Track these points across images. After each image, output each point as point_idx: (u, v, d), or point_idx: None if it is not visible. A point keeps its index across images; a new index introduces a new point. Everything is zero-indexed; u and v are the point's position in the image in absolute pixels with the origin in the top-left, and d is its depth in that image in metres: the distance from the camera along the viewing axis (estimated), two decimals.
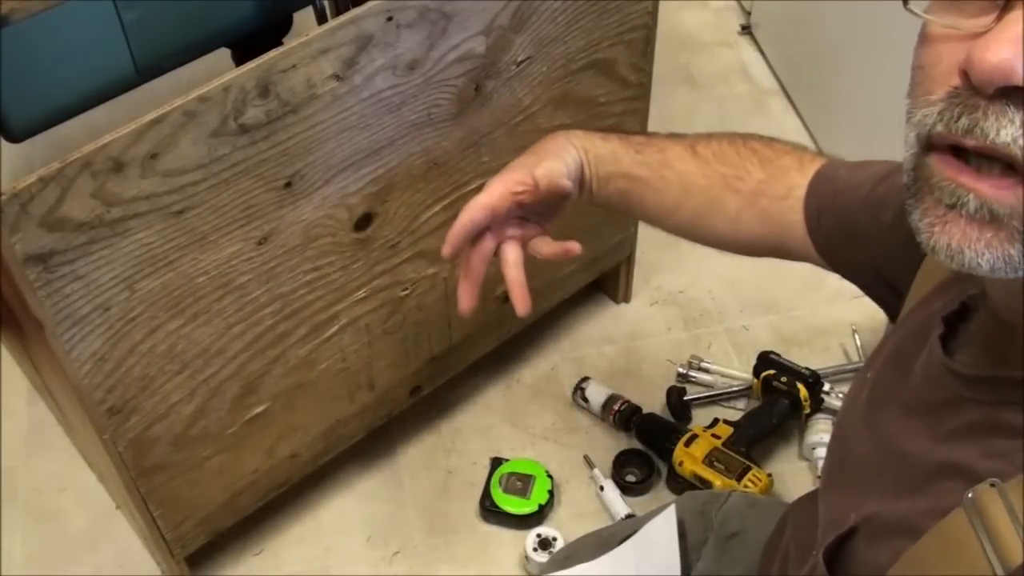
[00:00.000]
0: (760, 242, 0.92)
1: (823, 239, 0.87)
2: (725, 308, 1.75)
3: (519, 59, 1.23)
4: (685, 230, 0.95)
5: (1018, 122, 0.49)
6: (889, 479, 0.65)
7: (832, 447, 0.78)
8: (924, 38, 0.54)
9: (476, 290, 0.94)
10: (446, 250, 0.89)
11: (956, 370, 0.61)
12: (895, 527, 0.61)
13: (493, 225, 0.90)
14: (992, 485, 0.53)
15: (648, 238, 1.73)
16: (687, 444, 1.49)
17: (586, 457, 1.55)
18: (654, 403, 1.60)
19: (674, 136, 0.96)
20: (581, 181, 0.93)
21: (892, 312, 0.84)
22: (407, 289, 1.33)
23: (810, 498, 0.84)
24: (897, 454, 0.64)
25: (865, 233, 0.83)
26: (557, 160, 0.91)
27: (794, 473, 1.52)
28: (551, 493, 1.49)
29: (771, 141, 0.93)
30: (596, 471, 1.53)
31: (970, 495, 0.54)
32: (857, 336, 1.67)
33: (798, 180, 0.89)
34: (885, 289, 0.84)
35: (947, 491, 0.56)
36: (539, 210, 0.92)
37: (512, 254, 0.92)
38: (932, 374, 0.63)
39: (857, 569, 0.65)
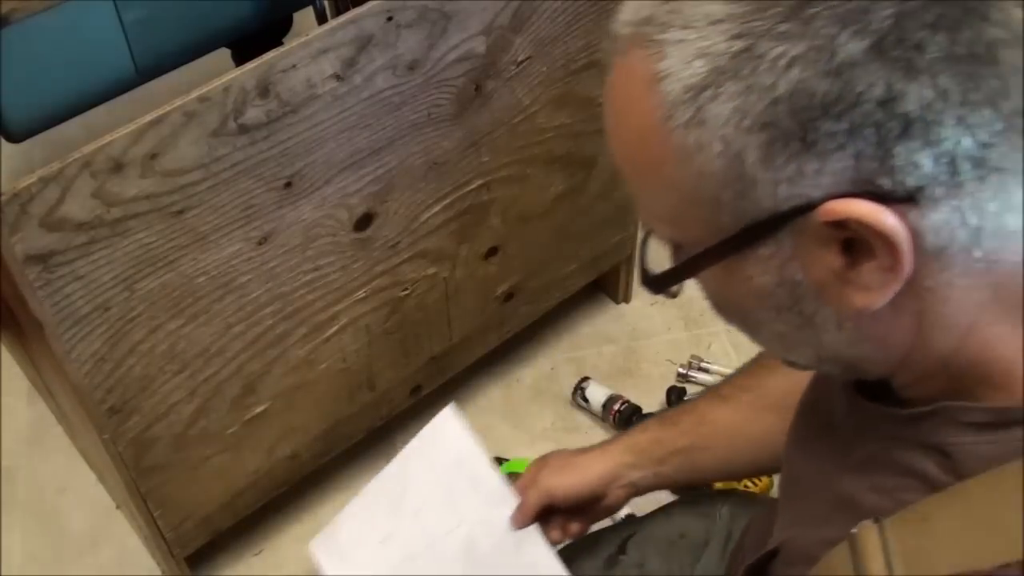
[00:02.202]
0: None
1: None
2: None
3: (519, 59, 1.23)
4: (760, 466, 0.97)
5: None
6: (807, 504, 0.65)
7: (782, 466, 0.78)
8: None
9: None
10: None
11: (857, 403, 0.60)
12: (801, 554, 0.61)
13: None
14: (876, 521, 0.53)
15: None
16: None
17: None
18: (654, 403, 1.60)
19: (703, 393, 0.98)
20: (623, 484, 0.97)
21: None
22: (407, 289, 1.33)
23: (766, 510, 0.84)
24: (815, 478, 0.64)
25: None
26: (572, 476, 0.96)
27: None
28: None
29: None
30: None
31: (854, 530, 0.53)
32: None
33: None
34: None
35: (840, 523, 0.55)
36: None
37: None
38: (843, 404, 0.63)
39: None
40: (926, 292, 0.49)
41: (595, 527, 1.15)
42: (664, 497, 1.49)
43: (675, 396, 1.58)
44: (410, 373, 1.44)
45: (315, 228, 1.16)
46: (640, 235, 0.55)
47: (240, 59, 1.14)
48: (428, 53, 1.12)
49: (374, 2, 1.05)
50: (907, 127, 0.44)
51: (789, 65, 0.44)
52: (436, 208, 1.27)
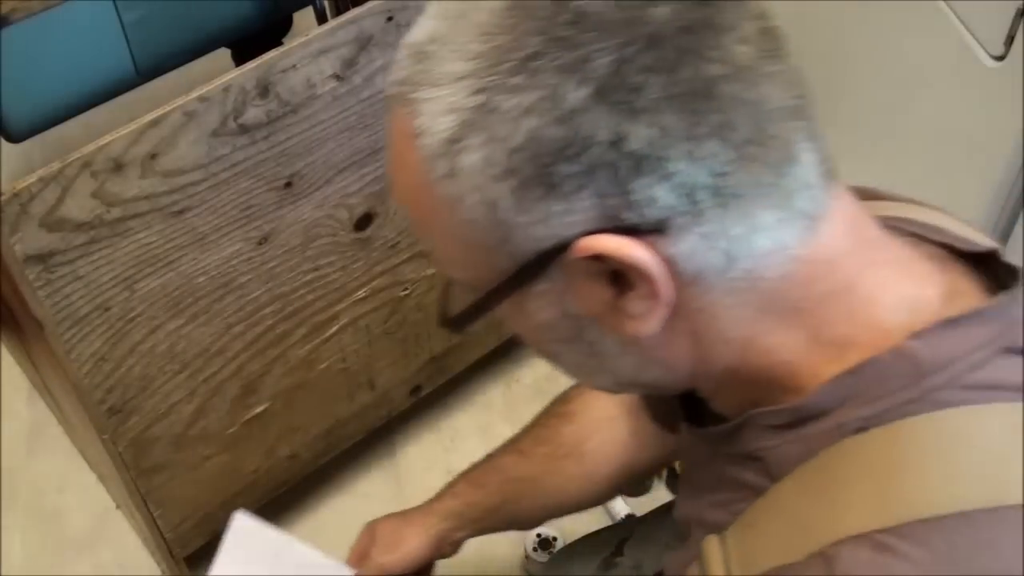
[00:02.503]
0: (624, 470, 0.97)
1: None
2: None
3: None
4: (571, 510, 1.04)
5: None
6: (679, 530, 0.68)
7: None
8: None
9: None
10: None
11: (689, 431, 0.63)
12: (671, 574, 0.64)
13: None
14: (718, 534, 0.56)
15: None
16: None
17: None
18: None
19: (506, 445, 1.04)
20: (442, 552, 1.05)
21: None
22: (407, 289, 1.33)
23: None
24: (682, 510, 0.68)
25: None
26: (400, 553, 1.02)
27: None
28: None
29: (566, 393, 1.00)
30: None
31: (702, 544, 0.57)
32: None
33: (605, 407, 0.96)
34: None
35: (695, 541, 0.59)
36: None
37: None
38: (686, 437, 0.66)
39: None
40: (696, 313, 0.52)
41: (595, 527, 1.15)
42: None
43: None
44: (410, 373, 1.44)
45: (315, 228, 1.16)
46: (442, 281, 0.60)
47: (240, 59, 1.14)
48: None
49: (374, 2, 1.05)
50: (639, 164, 0.47)
51: (522, 115, 0.47)
52: None
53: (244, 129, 1.02)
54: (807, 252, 0.51)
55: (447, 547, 1.04)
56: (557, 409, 1.00)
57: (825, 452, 0.52)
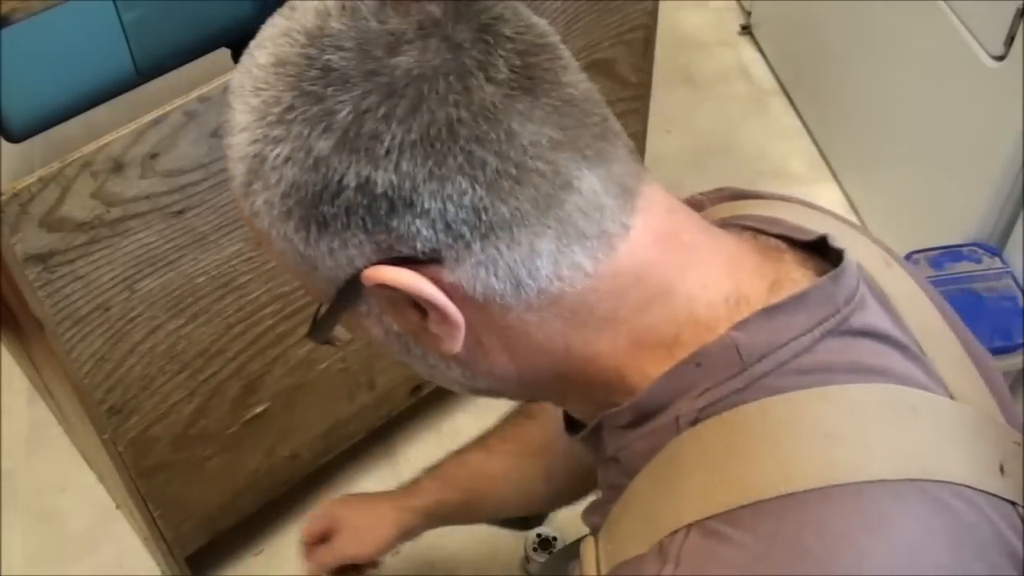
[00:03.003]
0: (590, 469, 0.99)
1: None
2: None
3: None
4: (535, 507, 1.08)
5: None
6: None
7: None
8: None
9: None
10: None
11: (569, 436, 0.65)
12: None
13: None
14: (594, 536, 0.59)
15: None
16: None
17: None
18: None
19: (475, 441, 1.06)
20: (412, 535, 1.07)
21: None
22: None
23: None
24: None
25: None
26: (356, 545, 1.04)
27: None
28: None
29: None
30: None
31: (581, 547, 0.59)
32: None
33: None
34: None
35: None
36: None
37: None
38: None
39: None
40: (503, 329, 0.54)
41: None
42: None
43: None
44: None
45: None
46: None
47: (240, 59, 1.13)
48: None
49: None
50: (391, 205, 0.50)
51: (283, 164, 0.51)
52: None
53: None
54: (607, 268, 0.53)
55: (408, 539, 1.07)
56: (524, 408, 1.02)
57: (668, 446, 0.54)
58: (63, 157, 0.92)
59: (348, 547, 1.03)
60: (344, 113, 0.49)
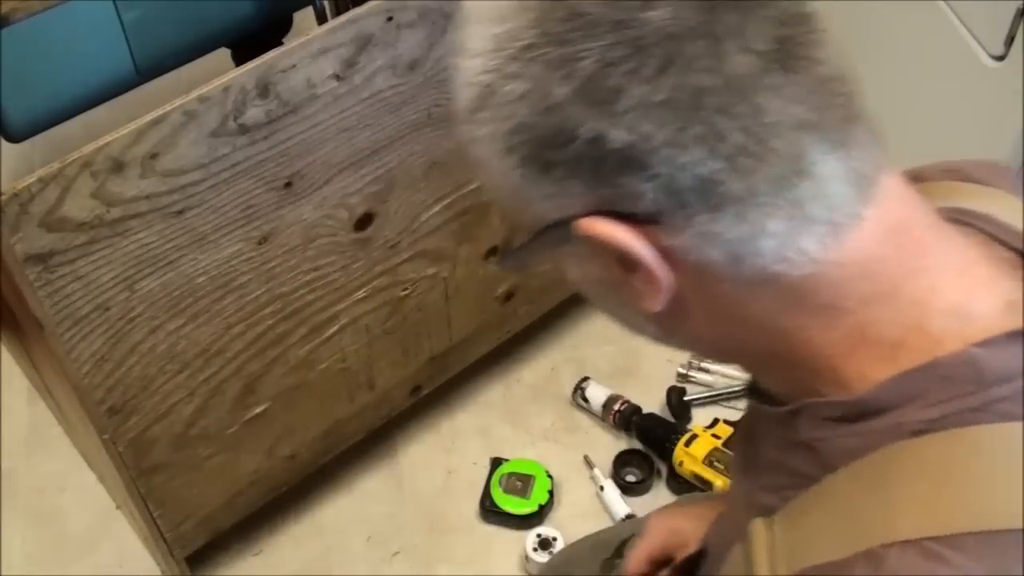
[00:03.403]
0: None
1: None
2: None
3: None
4: None
5: None
6: (731, 509, 0.68)
7: None
8: None
9: None
10: None
11: (752, 407, 0.64)
12: (716, 554, 0.64)
13: None
14: (764, 517, 0.56)
15: None
16: (687, 444, 1.48)
17: (586, 457, 1.55)
18: (654, 403, 1.60)
19: None
20: None
21: None
22: (407, 289, 1.33)
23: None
24: (737, 486, 0.67)
25: None
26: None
27: None
28: (551, 493, 1.49)
29: None
30: (596, 471, 1.53)
31: (749, 527, 0.57)
32: None
33: None
34: None
35: (744, 520, 0.59)
36: None
37: None
38: (753, 407, 0.66)
39: None
40: (711, 299, 0.53)
41: (595, 527, 1.15)
42: (664, 497, 1.49)
43: (675, 396, 1.58)
44: (410, 373, 1.44)
45: (315, 228, 1.16)
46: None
47: (240, 59, 1.14)
48: (428, 53, 1.12)
49: (374, 2, 1.05)
50: (621, 162, 0.48)
51: (515, 101, 0.49)
52: (436, 208, 1.27)
53: (244, 129, 1.02)
54: (833, 255, 0.51)
55: None
56: None
57: (882, 450, 0.52)
58: (63, 157, 0.92)
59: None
60: (588, 62, 0.47)
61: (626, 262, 0.52)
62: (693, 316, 0.55)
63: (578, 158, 0.49)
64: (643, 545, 0.94)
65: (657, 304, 0.53)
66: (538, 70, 0.48)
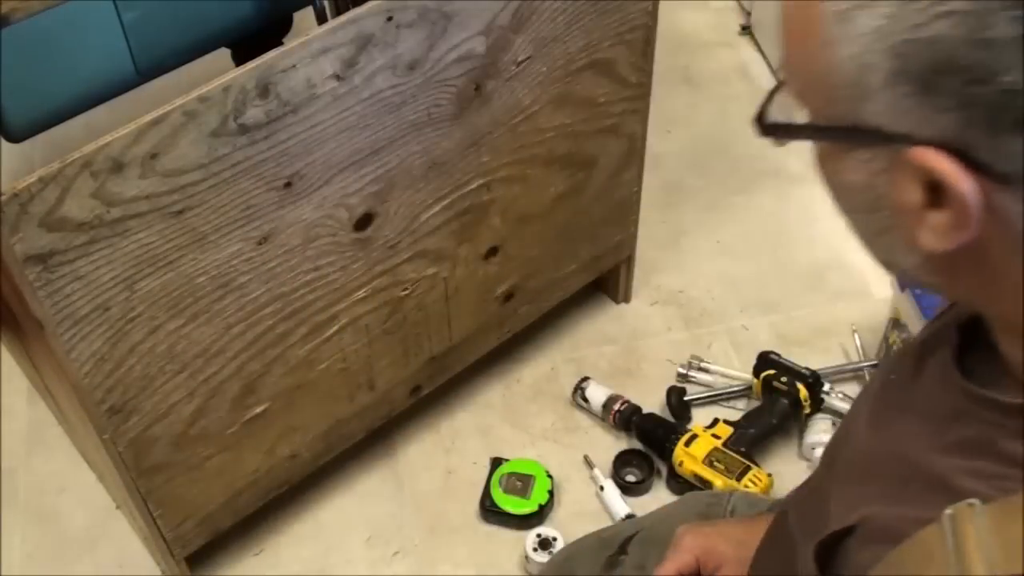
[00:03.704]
0: None
1: None
2: (725, 308, 1.75)
3: (519, 59, 1.23)
4: None
5: None
6: (888, 480, 0.65)
7: (839, 438, 0.78)
8: None
9: None
10: None
11: (961, 384, 0.61)
12: (884, 530, 0.61)
13: None
14: (971, 505, 0.53)
15: (648, 238, 1.73)
16: (687, 444, 1.48)
17: (586, 457, 1.55)
18: (654, 403, 1.60)
19: None
20: None
21: None
22: (407, 289, 1.33)
23: (808, 489, 0.84)
24: (898, 456, 0.64)
25: None
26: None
27: (794, 473, 1.52)
28: (551, 493, 1.49)
29: None
30: (596, 471, 1.53)
31: (949, 511, 0.54)
32: (857, 336, 1.67)
33: None
34: None
35: (932, 502, 0.55)
36: None
37: None
38: (943, 382, 0.63)
39: (843, 568, 0.65)
40: (995, 263, 0.52)
41: (595, 527, 1.15)
42: (664, 497, 1.50)
43: (675, 396, 1.58)
44: (410, 373, 1.44)
45: (315, 228, 1.16)
46: (775, 83, 0.59)
47: (240, 59, 1.14)
48: (428, 53, 1.12)
49: (374, 2, 1.05)
50: (1018, 121, 0.46)
51: (942, 16, 0.46)
52: (436, 208, 1.28)
53: (244, 129, 1.02)
54: None
55: None
56: None
57: None
58: (63, 157, 0.92)
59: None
60: None
61: (941, 199, 0.50)
62: (968, 274, 0.54)
63: (974, 100, 0.47)
64: (674, 560, 0.92)
65: (938, 248, 0.52)
66: (985, 3, 0.45)
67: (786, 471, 1.51)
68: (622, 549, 1.04)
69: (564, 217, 1.48)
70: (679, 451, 1.48)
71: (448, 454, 1.58)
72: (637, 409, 1.57)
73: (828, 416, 1.54)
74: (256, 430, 1.29)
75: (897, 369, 0.71)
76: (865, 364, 1.62)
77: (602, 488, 1.50)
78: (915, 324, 1.46)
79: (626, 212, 1.58)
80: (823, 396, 1.55)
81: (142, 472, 1.20)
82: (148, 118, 0.95)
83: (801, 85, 0.55)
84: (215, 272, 1.10)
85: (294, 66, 1.02)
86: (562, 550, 1.26)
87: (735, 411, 1.60)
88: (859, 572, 0.61)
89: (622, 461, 1.53)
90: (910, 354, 0.70)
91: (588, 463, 1.54)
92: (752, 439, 1.50)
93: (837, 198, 0.58)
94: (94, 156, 0.93)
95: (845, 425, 0.78)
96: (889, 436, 0.67)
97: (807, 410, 1.53)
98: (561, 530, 1.44)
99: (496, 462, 1.53)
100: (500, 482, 1.50)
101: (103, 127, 0.96)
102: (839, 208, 0.59)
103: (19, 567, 1.49)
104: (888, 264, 0.60)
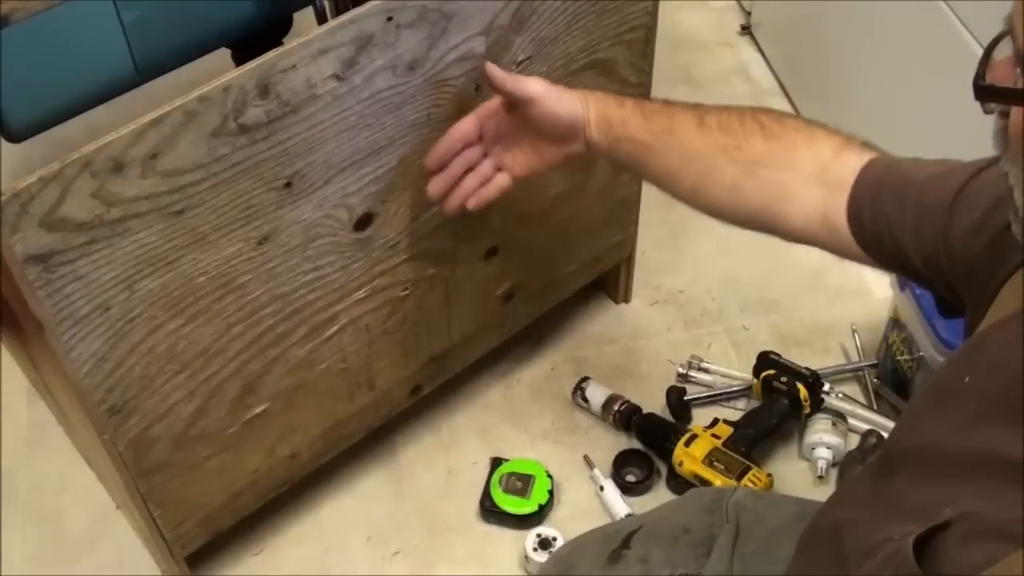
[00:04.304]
0: (761, 212, 0.94)
1: (870, 225, 0.88)
2: (725, 308, 1.75)
3: (519, 59, 1.23)
4: (688, 197, 1.01)
5: None
6: (986, 480, 0.64)
7: (903, 433, 0.77)
8: None
9: (447, 187, 1.12)
10: (429, 161, 1.10)
11: None
12: (994, 530, 0.60)
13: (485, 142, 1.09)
14: None
15: (648, 238, 1.73)
16: (687, 444, 1.49)
17: (586, 457, 1.55)
18: (654, 403, 1.60)
19: (688, 105, 1.01)
20: (584, 136, 1.05)
21: (940, 295, 0.86)
22: (407, 289, 1.33)
23: (866, 483, 0.81)
24: (999, 457, 0.64)
25: (936, 227, 0.83)
26: (545, 86, 1.05)
27: (794, 473, 1.52)
28: (551, 493, 1.49)
29: (782, 116, 0.96)
30: (596, 471, 1.53)
31: None
32: (857, 336, 1.67)
33: (806, 155, 0.91)
34: (937, 277, 0.85)
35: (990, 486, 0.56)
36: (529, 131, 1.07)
37: (501, 180, 1.12)
38: None
39: (945, 566, 0.64)
40: None
41: (597, 525, 1.15)
42: (665, 497, 1.50)
43: (675, 396, 1.58)
44: (410, 373, 1.44)
45: (315, 228, 1.16)
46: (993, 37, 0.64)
47: (240, 59, 1.14)
48: (428, 53, 1.12)
49: (374, 2, 1.05)
50: None
51: None
52: (436, 208, 1.27)
53: (244, 129, 1.02)
54: None
55: (586, 129, 1.05)
56: (763, 118, 0.96)
57: None
58: (63, 157, 0.92)
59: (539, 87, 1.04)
60: None
61: None
62: None
63: None
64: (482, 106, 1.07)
65: None
66: None
67: (786, 471, 1.51)
68: (625, 544, 1.04)
69: (564, 217, 1.48)
70: (679, 451, 1.48)
71: (448, 454, 1.58)
72: (637, 409, 1.57)
73: (828, 416, 1.54)
74: (256, 430, 1.29)
75: (984, 368, 0.70)
76: (865, 364, 1.62)
77: (602, 488, 1.50)
78: (915, 324, 1.46)
79: (626, 212, 1.58)
80: (823, 396, 1.55)
81: (142, 472, 1.20)
82: (148, 118, 0.95)
83: None
84: (215, 272, 1.10)
85: (294, 66, 1.02)
86: (565, 545, 1.25)
87: (735, 411, 1.60)
88: (971, 571, 0.60)
89: (622, 461, 1.53)
90: (996, 358, 0.69)
91: (588, 463, 1.54)
92: (752, 439, 1.50)
93: (1013, 146, 0.59)
94: (94, 156, 0.93)
95: (908, 424, 0.77)
96: (982, 436, 0.66)
97: (807, 410, 1.53)
98: (561, 530, 1.44)
99: (496, 462, 1.53)
100: (500, 482, 1.50)
101: (103, 127, 0.96)
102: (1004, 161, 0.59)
103: (19, 567, 1.49)
104: None
